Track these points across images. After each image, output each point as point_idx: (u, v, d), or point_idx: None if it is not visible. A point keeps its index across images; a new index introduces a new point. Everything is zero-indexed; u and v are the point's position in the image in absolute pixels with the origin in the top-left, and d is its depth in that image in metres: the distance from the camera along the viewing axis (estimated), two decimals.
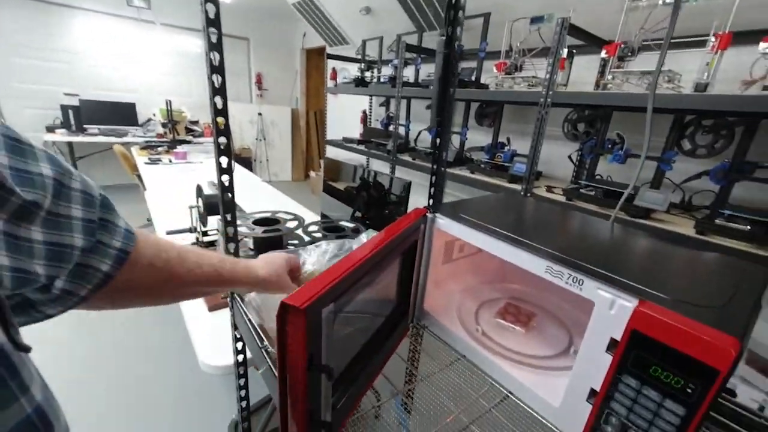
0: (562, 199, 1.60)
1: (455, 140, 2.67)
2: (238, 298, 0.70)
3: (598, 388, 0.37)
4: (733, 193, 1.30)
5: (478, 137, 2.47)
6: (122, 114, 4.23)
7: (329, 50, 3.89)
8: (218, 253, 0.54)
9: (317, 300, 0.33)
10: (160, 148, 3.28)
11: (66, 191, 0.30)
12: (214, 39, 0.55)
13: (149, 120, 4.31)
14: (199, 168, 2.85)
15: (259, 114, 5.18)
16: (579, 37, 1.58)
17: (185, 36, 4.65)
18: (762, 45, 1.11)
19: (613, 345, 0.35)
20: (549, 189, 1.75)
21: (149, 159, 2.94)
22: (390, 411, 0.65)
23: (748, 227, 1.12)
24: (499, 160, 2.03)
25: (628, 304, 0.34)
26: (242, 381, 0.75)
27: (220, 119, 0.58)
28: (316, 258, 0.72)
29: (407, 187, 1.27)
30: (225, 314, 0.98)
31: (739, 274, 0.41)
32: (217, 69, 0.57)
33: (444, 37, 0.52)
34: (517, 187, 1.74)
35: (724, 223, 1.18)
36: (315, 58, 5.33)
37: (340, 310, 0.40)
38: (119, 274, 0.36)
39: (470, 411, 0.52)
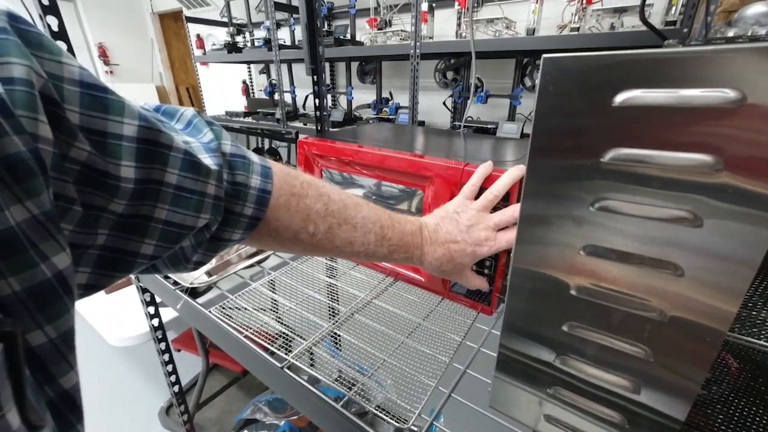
0: None
1: (342, 101, 2.71)
2: None
3: None
4: None
5: (364, 96, 2.56)
6: None
7: (187, 13, 3.44)
8: (384, 216, 0.41)
9: None
10: None
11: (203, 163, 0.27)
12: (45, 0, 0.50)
13: None
14: None
15: None
16: None
17: None
18: None
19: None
20: None
21: None
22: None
23: None
24: (385, 114, 2.16)
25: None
26: (166, 356, 0.75)
27: None
28: None
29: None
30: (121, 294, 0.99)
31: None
32: (57, 35, 0.52)
33: None
34: None
35: None
36: (171, 24, 4.63)
37: None
38: (248, 237, 0.32)
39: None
